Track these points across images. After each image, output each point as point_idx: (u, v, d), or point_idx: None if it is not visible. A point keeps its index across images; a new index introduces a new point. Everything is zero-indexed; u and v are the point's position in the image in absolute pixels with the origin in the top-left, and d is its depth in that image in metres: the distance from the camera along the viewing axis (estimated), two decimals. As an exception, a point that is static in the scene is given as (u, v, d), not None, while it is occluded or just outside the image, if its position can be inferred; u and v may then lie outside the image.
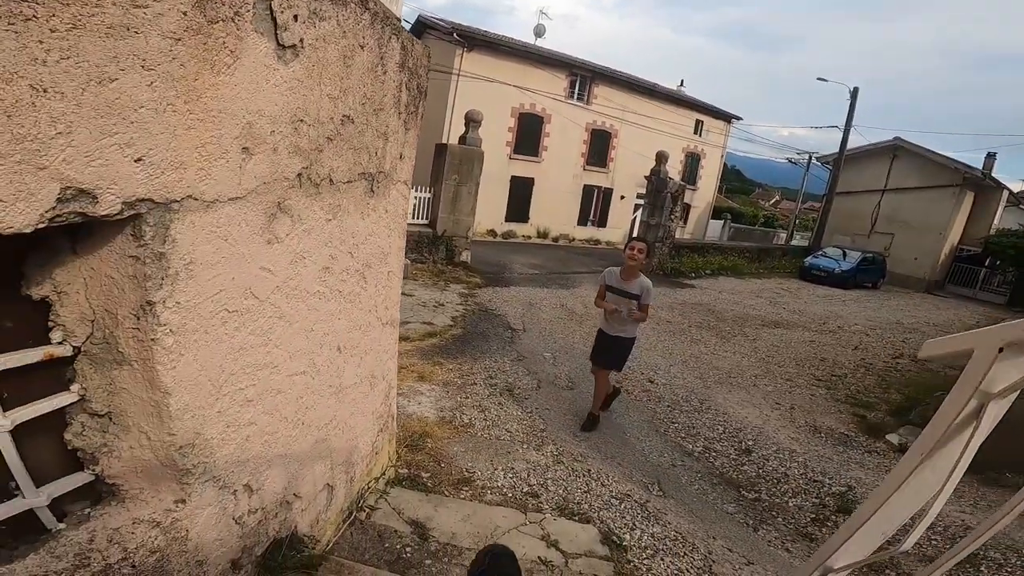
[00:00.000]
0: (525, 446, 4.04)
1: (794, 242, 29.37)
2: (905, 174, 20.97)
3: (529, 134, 18.78)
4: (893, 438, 4.66)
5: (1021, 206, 23.61)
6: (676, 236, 15.52)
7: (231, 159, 1.16)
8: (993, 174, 21.13)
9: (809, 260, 18.46)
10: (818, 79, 21.98)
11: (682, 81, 24.56)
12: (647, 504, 3.42)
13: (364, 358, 2.15)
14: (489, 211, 18.27)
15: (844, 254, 18.79)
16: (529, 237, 19.32)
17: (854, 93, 20.80)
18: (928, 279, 20.66)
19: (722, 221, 29.01)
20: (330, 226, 1.66)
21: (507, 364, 5.79)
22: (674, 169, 20.31)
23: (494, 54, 17.46)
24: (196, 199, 1.08)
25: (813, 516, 3.43)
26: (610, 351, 4.24)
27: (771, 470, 3.99)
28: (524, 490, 3.42)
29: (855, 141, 21.50)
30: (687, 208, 23.28)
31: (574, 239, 20.48)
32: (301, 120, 1.40)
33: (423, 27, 18.45)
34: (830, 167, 23.01)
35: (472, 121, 10.90)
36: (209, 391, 1.19)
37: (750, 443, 4.43)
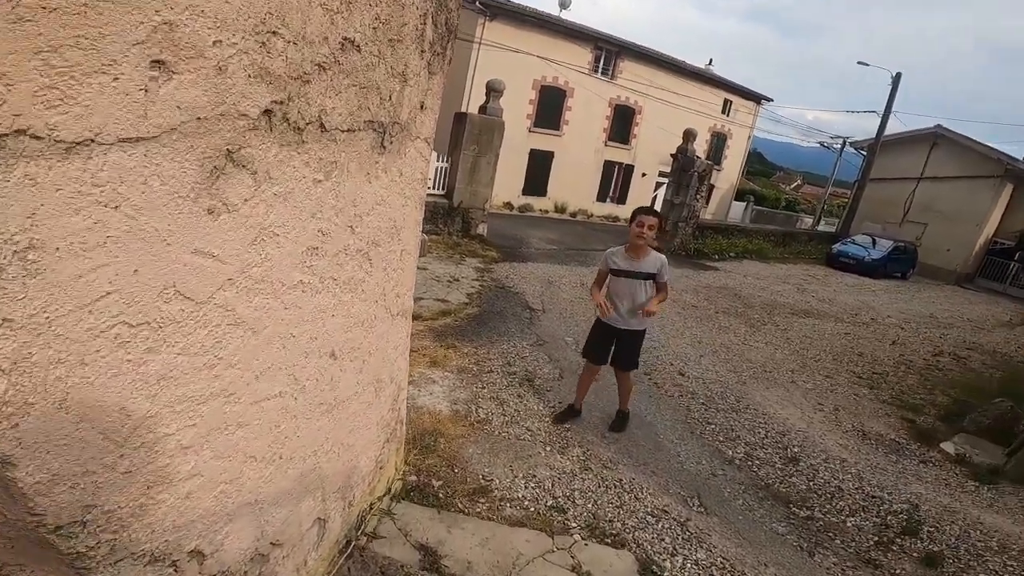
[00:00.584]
0: (548, 448, 3.63)
1: (820, 227, 28.48)
2: (944, 163, 19.93)
3: (550, 107, 18.02)
4: (948, 447, 4.19)
5: None
6: (700, 217, 14.86)
7: (125, 77, 0.71)
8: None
9: (837, 247, 17.71)
10: (859, 63, 20.86)
11: (711, 60, 23.42)
12: (688, 523, 3.01)
13: (368, 360, 1.73)
14: (507, 183, 17.68)
15: (874, 242, 18.01)
16: (546, 211, 18.74)
17: (896, 78, 19.67)
18: (959, 271, 19.81)
19: (745, 203, 28.12)
20: (320, 190, 1.20)
21: (526, 349, 5.37)
22: (700, 148, 19.45)
23: (517, 24, 16.63)
24: (38, 137, 0.64)
25: (876, 539, 3.00)
26: (622, 347, 3.72)
27: (823, 483, 3.55)
28: (548, 503, 3.02)
29: (891, 128, 20.44)
30: (711, 189, 22.47)
31: (592, 215, 19.85)
32: (273, 31, 0.94)
33: None
34: (863, 152, 21.99)
35: (493, 91, 10.28)
36: (100, 447, 0.77)
37: (796, 450, 3.98)
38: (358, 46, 1.25)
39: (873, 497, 3.40)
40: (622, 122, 19.74)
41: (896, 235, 19.55)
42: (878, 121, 19.95)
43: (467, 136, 9.83)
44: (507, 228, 13.49)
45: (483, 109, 10.30)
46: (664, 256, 3.56)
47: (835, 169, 23.76)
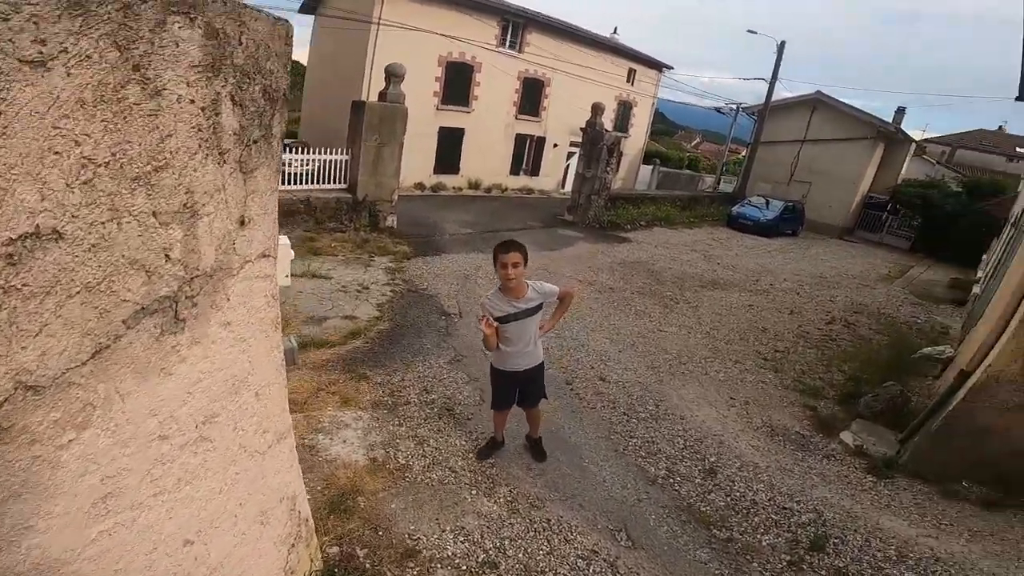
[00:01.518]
0: (474, 491, 3.46)
1: (721, 188, 30.12)
2: (823, 126, 21.54)
3: (458, 83, 17.29)
4: (848, 437, 4.51)
5: (925, 156, 25.09)
6: (611, 188, 15.07)
7: None
8: (902, 127, 22.17)
9: (736, 209, 18.78)
10: (748, 31, 21.69)
11: (615, 28, 23.41)
12: (617, 562, 2.98)
13: (244, 506, 1.41)
14: (417, 164, 16.91)
15: (767, 203, 19.26)
16: (460, 189, 18.22)
17: (780, 47, 20.73)
18: (841, 225, 21.79)
19: (652, 167, 29.04)
20: (80, 448, 0.85)
21: (444, 369, 5.12)
22: (607, 118, 19.60)
23: (419, 0, 15.55)
24: None
25: (788, 558, 3.13)
26: (527, 387, 3.53)
27: (739, 496, 3.67)
28: (480, 559, 2.88)
29: (778, 94, 21.70)
30: (620, 157, 22.88)
31: (507, 188, 19.59)
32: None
33: None
34: (755, 117, 23.24)
35: (394, 76, 9.55)
36: None
37: (713, 459, 4.09)
38: (60, 232, 0.84)
39: (783, 509, 3.55)
40: (531, 95, 19.39)
41: (785, 195, 21.06)
42: (767, 87, 21.08)
43: (367, 126, 9.11)
44: (420, 212, 12.93)
45: (383, 96, 9.57)
46: (541, 282, 3.41)
47: (730, 133, 25.00)
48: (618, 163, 18.56)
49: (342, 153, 9.49)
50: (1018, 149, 35.24)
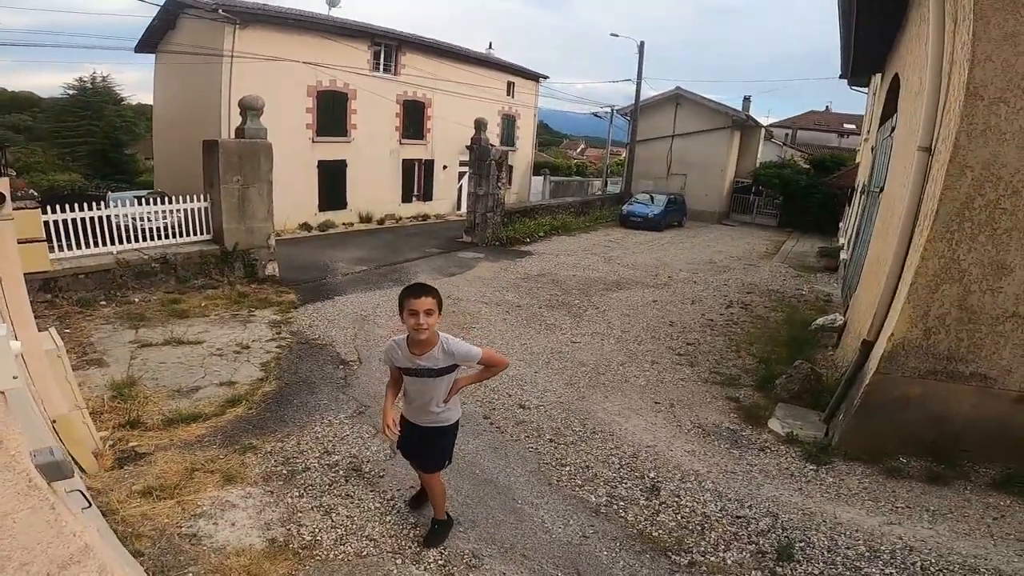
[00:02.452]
0: (399, 559, 2.92)
1: (609, 189, 31.53)
2: (688, 120, 23.24)
3: (333, 113, 16.46)
4: (776, 426, 4.49)
5: (773, 140, 27.88)
6: (505, 203, 14.97)
7: None
8: (751, 114, 24.49)
9: (626, 208, 19.56)
10: (611, 35, 22.97)
11: (490, 44, 23.82)
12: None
13: None
14: (298, 202, 15.79)
15: (652, 198, 20.30)
16: (351, 224, 17.27)
17: (641, 47, 22.13)
18: (718, 211, 23.52)
19: (542, 177, 29.73)
20: None
21: (345, 424, 4.47)
22: (492, 133, 19.66)
23: (278, 28, 14.63)
24: None
25: (760, 575, 2.89)
26: (419, 447, 2.96)
27: (688, 512, 3.41)
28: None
29: (646, 93, 23.14)
30: (510, 171, 23.08)
31: (401, 218, 18.90)
32: None
33: (180, 7, 14.78)
34: (628, 117, 24.60)
35: (250, 109, 8.66)
36: None
37: (653, 475, 3.84)
38: None
39: (738, 518, 3.34)
40: (414, 117, 18.97)
41: (666, 189, 22.38)
42: (635, 88, 22.39)
43: (224, 167, 8.15)
44: (307, 255, 11.95)
45: (240, 132, 8.64)
46: (456, 340, 2.73)
47: (609, 135, 26.23)
48: (509, 177, 18.64)
49: (200, 200, 8.43)
50: (845, 125, 40.50)
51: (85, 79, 29.13)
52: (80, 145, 27.31)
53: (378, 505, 3.41)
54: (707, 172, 23.05)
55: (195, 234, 8.46)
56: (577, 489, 3.68)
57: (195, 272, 8.21)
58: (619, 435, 4.40)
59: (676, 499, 3.53)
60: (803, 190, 22.03)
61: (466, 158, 21.39)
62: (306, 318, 7.41)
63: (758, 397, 5.18)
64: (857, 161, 16.73)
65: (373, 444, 4.18)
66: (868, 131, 14.25)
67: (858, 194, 14.86)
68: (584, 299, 9.09)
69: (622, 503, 3.51)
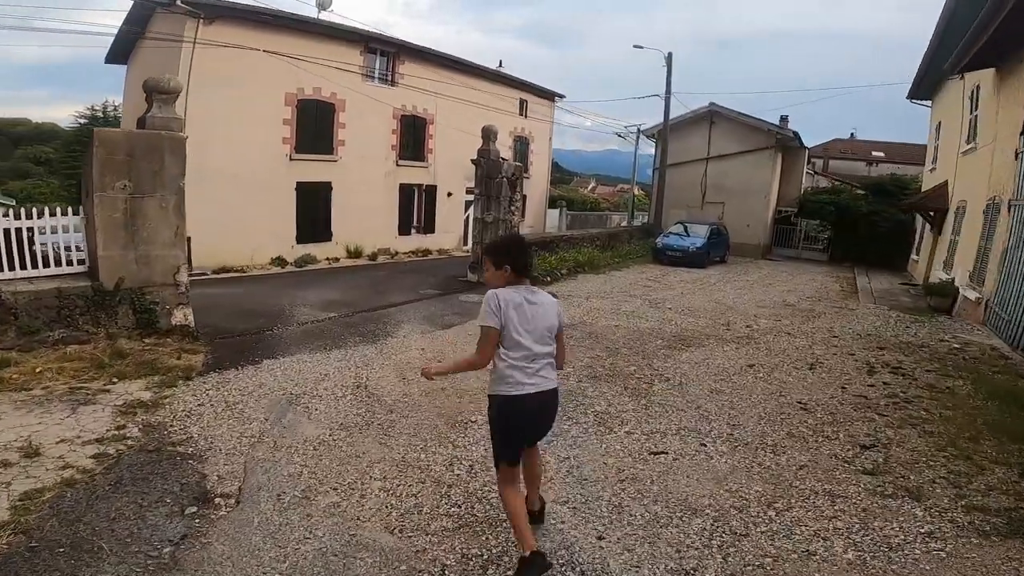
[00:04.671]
0: None
1: (636, 222, 28.80)
2: (724, 140, 20.58)
3: (316, 126, 14.00)
4: None
5: (806, 168, 24.86)
6: (520, 233, 12.17)
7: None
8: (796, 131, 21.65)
9: (661, 240, 16.67)
10: (635, 47, 20.68)
11: (500, 63, 21.55)
12: None
13: None
14: (271, 233, 13.16)
15: (686, 229, 17.47)
16: (336, 260, 14.54)
17: (669, 58, 19.75)
18: (762, 244, 20.55)
19: (558, 210, 27.13)
20: None
21: None
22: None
23: (252, 26, 12.34)
24: None
25: None
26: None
27: None
28: None
29: (676, 111, 20.58)
30: (523, 198, 20.46)
31: (397, 253, 16.17)
32: None
33: (142, 9, 12.64)
34: (654, 138, 22.05)
35: (158, 92, 6.04)
36: None
37: None
38: None
39: None
40: (414, 135, 16.51)
41: (701, 218, 19.53)
42: (663, 106, 19.85)
43: (103, 167, 5.43)
44: (264, 297, 9.14)
45: (141, 122, 5.97)
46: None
47: (636, 158, 23.42)
48: (523, 206, 15.90)
49: (68, 213, 5.69)
50: (874, 153, 37.80)
51: (96, 108, 27.79)
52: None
53: None
54: (748, 199, 20.19)
55: (58, 264, 5.68)
56: None
57: (49, 320, 5.37)
58: None
59: None
60: (863, 218, 19.03)
61: (474, 185, 18.80)
62: (194, 398, 4.48)
63: None
64: (939, 179, 13.77)
65: None
66: (969, 139, 11.34)
67: (955, 216, 11.90)
68: (642, 363, 6.08)
69: None
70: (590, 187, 67.41)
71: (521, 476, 2.54)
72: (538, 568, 2.17)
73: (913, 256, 17.33)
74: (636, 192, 30.80)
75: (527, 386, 2.32)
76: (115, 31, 14.07)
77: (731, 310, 9.53)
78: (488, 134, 11.01)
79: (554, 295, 2.65)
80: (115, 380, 4.78)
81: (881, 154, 37.51)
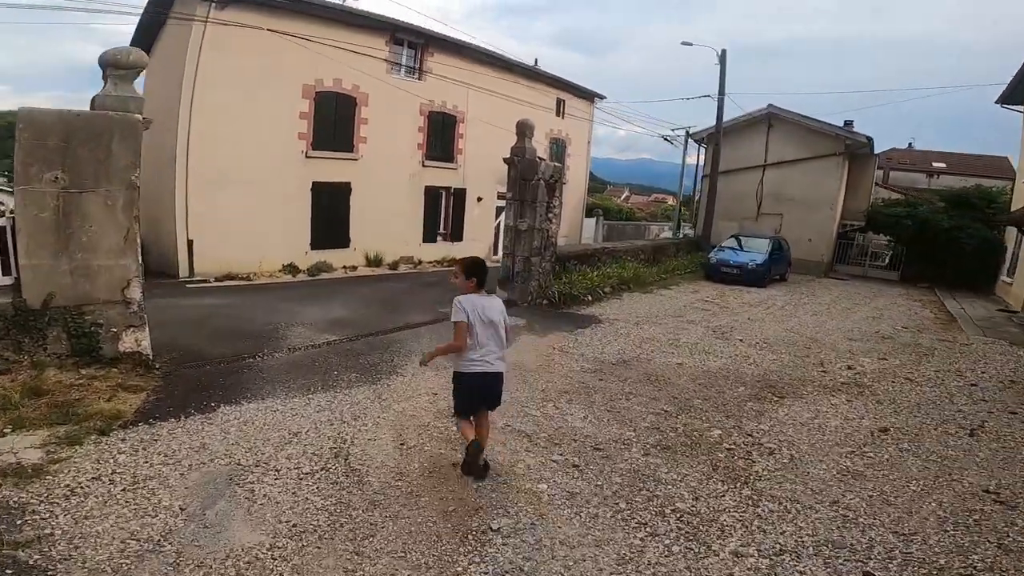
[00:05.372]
0: None
1: (667, 234, 26.92)
2: (784, 145, 18.60)
3: (336, 121, 12.85)
4: None
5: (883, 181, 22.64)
6: (556, 243, 10.61)
7: None
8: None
9: (715, 256, 14.84)
10: (683, 43, 18.98)
11: (536, 61, 20.20)
12: None
13: None
14: (282, 237, 12.03)
15: (739, 242, 15.61)
16: (353, 268, 13.30)
17: (723, 56, 17.97)
18: (826, 261, 18.46)
19: (595, 219, 25.49)
20: None
21: None
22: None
23: (267, 12, 11.26)
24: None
25: None
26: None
27: None
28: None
29: (730, 113, 18.74)
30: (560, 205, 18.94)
31: (421, 262, 14.84)
32: None
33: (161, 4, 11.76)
34: (702, 143, 20.26)
35: (114, 67, 4.78)
36: None
37: None
38: None
39: None
40: (442, 134, 15.24)
41: (757, 231, 17.63)
42: (713, 109, 18.06)
43: (27, 155, 4.18)
44: (259, 312, 7.88)
45: (92, 102, 4.74)
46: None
47: (684, 161, 21.39)
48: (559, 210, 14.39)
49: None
50: (935, 164, 34.90)
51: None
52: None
53: None
54: (811, 211, 18.15)
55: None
56: None
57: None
58: None
59: None
60: (944, 233, 16.77)
61: (505, 190, 17.33)
62: (94, 466, 3.14)
63: None
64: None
65: None
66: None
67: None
68: (728, 423, 4.47)
69: None
70: (623, 196, 65.67)
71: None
72: (476, 448, 3.25)
73: (1004, 278, 15.05)
74: (674, 201, 28.80)
75: (476, 365, 3.29)
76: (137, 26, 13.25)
77: (816, 343, 7.77)
78: (523, 130, 9.56)
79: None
80: (7, 430, 3.48)
81: (942, 165, 34.69)
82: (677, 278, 14.13)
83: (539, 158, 9.58)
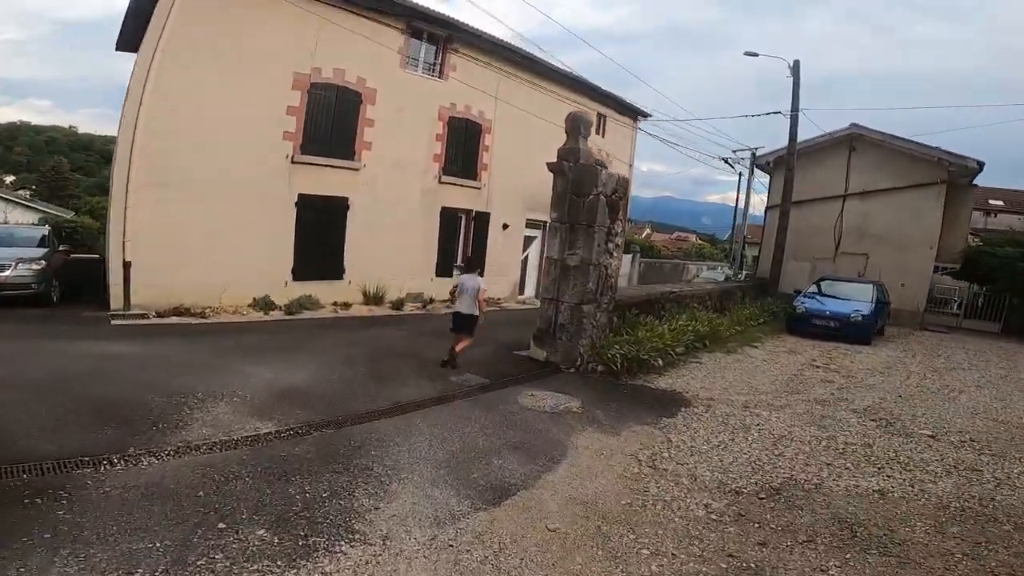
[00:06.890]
0: None
1: (706, 274, 24.04)
2: (869, 172, 15.69)
3: (333, 119, 10.34)
4: None
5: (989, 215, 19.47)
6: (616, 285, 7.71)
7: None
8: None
9: (803, 303, 11.82)
10: (746, 54, 16.38)
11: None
12: None
13: None
14: (259, 261, 9.43)
15: (821, 288, 12.65)
16: (347, 306, 10.58)
17: (795, 67, 15.27)
18: (921, 310, 15.24)
19: (631, 255, 22.70)
20: None
21: None
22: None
23: None
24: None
25: None
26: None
27: None
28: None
29: (804, 133, 15.92)
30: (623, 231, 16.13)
31: (432, 300, 12.06)
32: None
33: None
34: (766, 167, 17.45)
35: None
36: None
37: None
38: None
39: None
40: (464, 145, 12.69)
41: (839, 273, 14.57)
42: (785, 127, 15.29)
43: None
44: (183, 369, 5.14)
45: None
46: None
47: (749, 185, 18.18)
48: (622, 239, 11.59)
49: None
50: (991, 202, 31.51)
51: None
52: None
53: None
54: (903, 251, 15.07)
55: None
56: None
57: None
58: None
59: None
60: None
61: (535, 217, 14.49)
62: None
63: None
64: None
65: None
66: None
67: None
68: None
69: None
70: (644, 233, 63.14)
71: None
72: (452, 356, 6.20)
73: None
74: (696, 240, 25.84)
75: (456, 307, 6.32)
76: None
77: (1009, 437, 4.70)
78: (577, 125, 6.87)
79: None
80: None
81: (1000, 203, 31.48)
82: (753, 330, 11.11)
83: (597, 163, 6.83)
